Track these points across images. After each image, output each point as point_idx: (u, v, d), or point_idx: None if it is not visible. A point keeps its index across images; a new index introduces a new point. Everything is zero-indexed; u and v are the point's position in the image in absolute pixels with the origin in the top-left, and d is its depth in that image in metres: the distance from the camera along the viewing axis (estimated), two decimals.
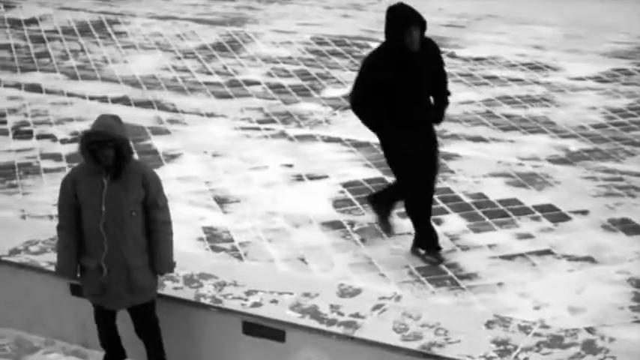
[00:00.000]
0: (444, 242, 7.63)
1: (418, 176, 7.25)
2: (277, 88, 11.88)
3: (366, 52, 13.25)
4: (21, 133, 10.39)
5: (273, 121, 10.70)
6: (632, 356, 5.86)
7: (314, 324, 6.33)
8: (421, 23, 6.94)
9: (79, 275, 6.23)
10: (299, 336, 6.39)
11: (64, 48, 13.74)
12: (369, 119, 7.23)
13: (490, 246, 7.57)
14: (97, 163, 5.86)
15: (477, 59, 12.97)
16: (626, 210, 8.31)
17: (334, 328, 6.24)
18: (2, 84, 12.11)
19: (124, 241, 6.02)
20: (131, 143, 6.11)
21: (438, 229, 7.73)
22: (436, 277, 7.10)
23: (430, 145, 7.32)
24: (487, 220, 8.06)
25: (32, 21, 15.27)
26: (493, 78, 12.20)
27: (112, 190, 5.92)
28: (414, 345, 6.02)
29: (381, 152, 9.57)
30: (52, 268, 7.07)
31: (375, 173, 9.13)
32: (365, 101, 7.10)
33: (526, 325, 6.26)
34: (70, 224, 6.08)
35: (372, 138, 10.04)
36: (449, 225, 8.04)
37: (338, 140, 10.05)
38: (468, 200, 8.48)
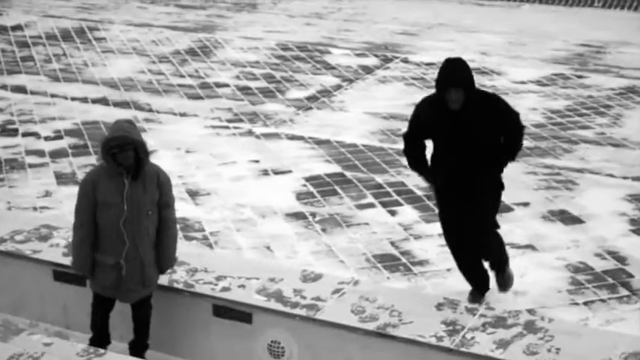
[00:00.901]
0: (397, 232, 7.66)
1: (449, 240, 6.50)
2: (245, 90, 11.84)
3: (326, 58, 13.32)
4: (7, 130, 10.28)
5: (241, 120, 10.66)
6: (569, 335, 5.90)
7: (279, 307, 6.32)
8: (464, 84, 6.11)
9: None
10: (265, 318, 6.37)
11: (48, 52, 13.61)
12: (409, 158, 6.54)
13: (440, 234, 7.57)
14: (118, 166, 5.84)
15: (428, 64, 12.98)
16: (564, 202, 8.36)
17: (297, 311, 6.23)
18: None
19: (141, 239, 6.01)
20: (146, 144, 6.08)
21: (392, 219, 7.75)
22: (391, 264, 7.12)
23: (464, 216, 6.31)
24: (437, 210, 8.07)
25: (18, 27, 15.11)
26: None
27: (133, 190, 5.91)
28: (370, 326, 6.02)
29: (341, 149, 9.67)
30: (37, 256, 7.05)
31: (335, 168, 9.13)
32: (408, 140, 6.42)
33: (472, 307, 6.28)
34: (89, 222, 6.02)
35: (333, 136, 10.13)
36: (403, 216, 8.05)
37: (301, 138, 10.03)
38: (419, 193, 8.49)
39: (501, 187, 6.54)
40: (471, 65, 12.59)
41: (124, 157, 5.78)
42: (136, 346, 6.40)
